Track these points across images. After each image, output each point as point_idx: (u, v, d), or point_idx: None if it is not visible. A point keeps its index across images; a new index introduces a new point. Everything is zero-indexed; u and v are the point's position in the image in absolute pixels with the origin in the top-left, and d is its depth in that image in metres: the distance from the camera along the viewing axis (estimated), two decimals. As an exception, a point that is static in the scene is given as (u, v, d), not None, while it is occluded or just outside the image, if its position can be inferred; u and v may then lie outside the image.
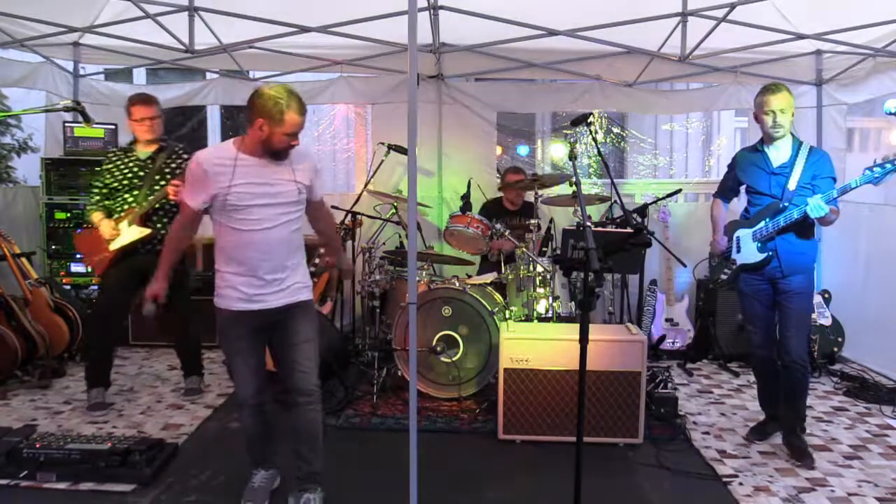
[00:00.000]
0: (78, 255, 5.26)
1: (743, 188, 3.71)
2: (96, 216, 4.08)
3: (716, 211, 3.83)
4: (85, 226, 4.52)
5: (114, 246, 4.04)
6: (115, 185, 4.09)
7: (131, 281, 4.12)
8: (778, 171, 3.46)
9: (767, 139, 3.50)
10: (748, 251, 3.54)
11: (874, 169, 3.14)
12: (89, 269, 5.21)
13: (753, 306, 3.63)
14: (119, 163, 4.14)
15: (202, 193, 2.76)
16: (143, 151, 4.16)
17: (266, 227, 2.79)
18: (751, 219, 3.57)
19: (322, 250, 4.61)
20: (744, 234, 3.57)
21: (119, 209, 4.09)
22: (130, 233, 4.04)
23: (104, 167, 4.15)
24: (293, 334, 2.90)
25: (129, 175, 4.10)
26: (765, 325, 3.63)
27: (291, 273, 2.91)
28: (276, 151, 2.77)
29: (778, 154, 3.48)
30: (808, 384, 3.54)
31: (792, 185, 3.40)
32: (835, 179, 3.41)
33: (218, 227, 2.85)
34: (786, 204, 3.40)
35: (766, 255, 3.46)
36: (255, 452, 3.06)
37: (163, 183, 4.09)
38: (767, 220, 3.45)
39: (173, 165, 4.18)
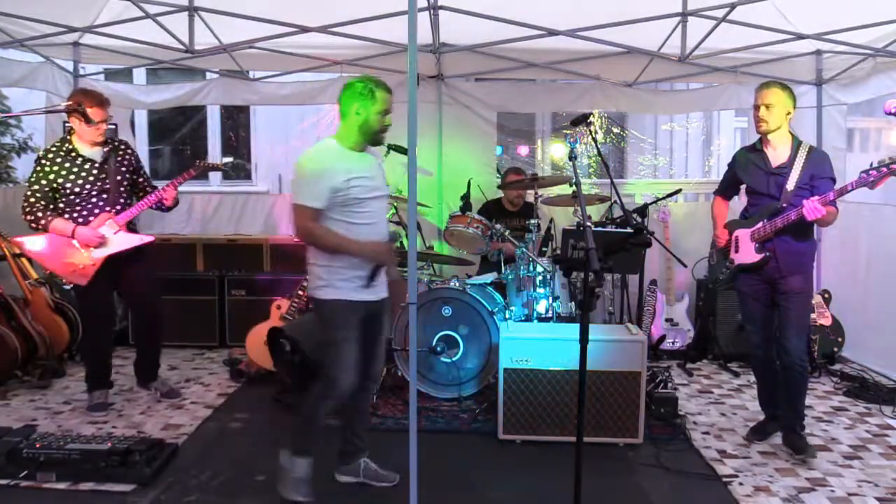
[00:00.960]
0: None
1: (743, 187, 3.71)
2: (64, 224, 3.82)
3: (716, 208, 3.83)
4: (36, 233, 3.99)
5: (101, 254, 3.87)
6: (76, 189, 3.85)
7: (111, 284, 4.08)
8: (776, 171, 3.45)
9: (763, 137, 3.49)
10: (746, 251, 3.54)
11: (869, 172, 3.13)
12: (62, 281, 4.69)
13: (752, 306, 3.63)
14: (68, 165, 3.87)
15: (325, 191, 2.80)
16: (92, 151, 3.94)
17: (376, 221, 2.96)
18: (749, 219, 3.57)
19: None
20: (742, 234, 3.57)
21: (85, 214, 3.89)
22: (123, 240, 3.90)
23: (50, 169, 3.84)
24: (381, 327, 3.14)
25: (91, 178, 3.88)
26: (764, 325, 3.63)
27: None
28: (374, 133, 2.93)
29: (776, 154, 3.48)
30: (807, 384, 3.54)
31: (790, 185, 3.39)
32: (834, 180, 3.40)
33: (330, 224, 2.87)
34: (784, 205, 3.39)
35: (763, 255, 3.45)
36: (317, 442, 3.04)
37: (126, 183, 4.02)
38: (765, 220, 3.44)
39: (126, 163, 4.04)
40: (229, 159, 7.41)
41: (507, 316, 4.34)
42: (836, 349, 5.07)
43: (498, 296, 4.53)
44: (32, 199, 3.85)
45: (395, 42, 5.18)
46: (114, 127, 5.37)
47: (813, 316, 4.91)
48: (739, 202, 3.85)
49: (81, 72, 5.75)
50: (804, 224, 3.35)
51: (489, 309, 4.21)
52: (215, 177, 7.64)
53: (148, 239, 4.02)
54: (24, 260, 4.94)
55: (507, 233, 4.61)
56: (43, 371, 4.63)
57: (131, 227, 4.05)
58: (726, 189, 3.82)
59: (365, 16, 4.67)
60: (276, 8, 4.62)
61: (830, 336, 5.05)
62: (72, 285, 4.06)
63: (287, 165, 7.71)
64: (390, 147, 5.17)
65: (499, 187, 5.47)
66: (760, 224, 3.46)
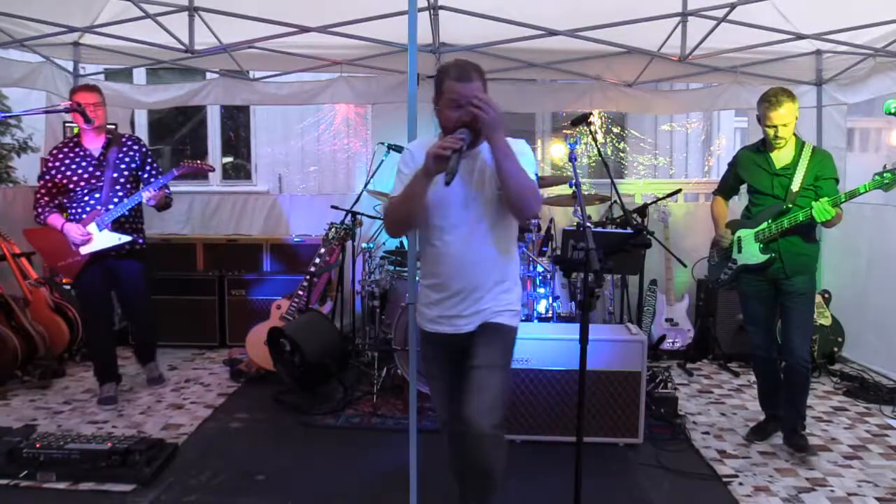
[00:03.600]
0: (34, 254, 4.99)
1: (744, 187, 3.70)
2: (57, 219, 3.95)
3: (716, 208, 3.81)
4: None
5: (86, 251, 3.96)
6: (70, 185, 3.95)
7: (107, 282, 4.15)
8: (781, 172, 3.45)
9: (767, 139, 3.49)
10: (750, 252, 3.53)
11: (884, 175, 3.11)
12: (52, 274, 5.08)
13: (754, 307, 3.62)
14: (67, 160, 3.98)
15: None
16: (94, 146, 4.02)
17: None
18: (752, 219, 3.56)
19: (322, 250, 4.63)
20: (745, 234, 3.57)
21: (79, 211, 3.98)
22: (106, 238, 3.97)
23: (50, 165, 3.98)
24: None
25: (86, 175, 3.96)
26: (765, 326, 3.63)
27: None
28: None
29: (780, 155, 3.47)
30: (809, 383, 3.55)
31: (795, 186, 3.39)
32: (837, 180, 3.40)
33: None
34: (789, 205, 3.39)
35: (769, 256, 3.45)
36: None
37: (122, 180, 4.03)
38: (770, 221, 3.44)
39: (127, 160, 4.07)
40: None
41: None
42: (836, 349, 5.06)
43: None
44: (37, 195, 3.98)
45: (395, 42, 5.17)
46: (114, 126, 5.37)
47: (813, 316, 4.90)
48: (738, 202, 3.84)
49: (81, 72, 5.75)
50: (810, 225, 3.35)
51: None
52: (215, 177, 7.62)
53: (126, 238, 4.02)
54: (24, 260, 4.94)
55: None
56: (43, 371, 4.63)
57: (133, 225, 4.11)
58: (726, 189, 3.81)
59: (365, 16, 4.67)
60: (276, 8, 4.61)
61: (830, 336, 5.04)
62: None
63: (287, 165, 7.71)
64: (390, 147, 5.18)
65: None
66: (765, 225, 3.45)
